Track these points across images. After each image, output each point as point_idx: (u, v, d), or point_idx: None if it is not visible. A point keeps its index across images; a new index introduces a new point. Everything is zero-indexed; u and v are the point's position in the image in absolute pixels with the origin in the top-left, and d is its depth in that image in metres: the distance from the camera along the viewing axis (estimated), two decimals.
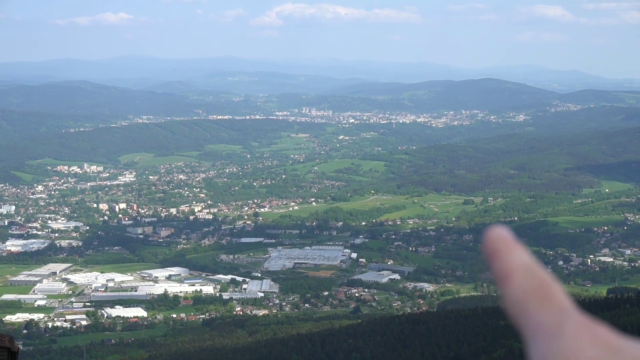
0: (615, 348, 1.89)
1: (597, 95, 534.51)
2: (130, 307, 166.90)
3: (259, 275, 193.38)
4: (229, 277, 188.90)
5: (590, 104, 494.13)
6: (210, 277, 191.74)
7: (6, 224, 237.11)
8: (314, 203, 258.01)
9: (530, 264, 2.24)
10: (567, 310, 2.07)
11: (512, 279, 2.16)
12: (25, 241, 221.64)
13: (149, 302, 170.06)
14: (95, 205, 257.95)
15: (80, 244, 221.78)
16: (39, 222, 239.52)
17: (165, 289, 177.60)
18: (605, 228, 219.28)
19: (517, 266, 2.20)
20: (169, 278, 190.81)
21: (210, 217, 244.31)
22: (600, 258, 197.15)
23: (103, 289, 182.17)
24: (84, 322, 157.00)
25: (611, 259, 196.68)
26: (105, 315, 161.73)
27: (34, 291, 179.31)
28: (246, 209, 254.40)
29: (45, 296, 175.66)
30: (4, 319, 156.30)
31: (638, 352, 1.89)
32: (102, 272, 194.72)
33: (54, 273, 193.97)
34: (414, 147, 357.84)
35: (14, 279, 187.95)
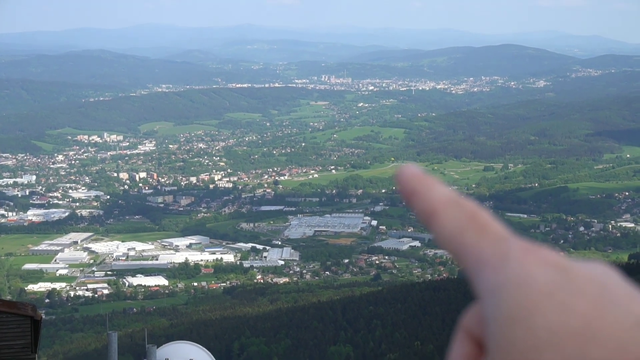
0: (564, 268, 1.84)
1: (618, 60, 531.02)
2: (151, 275, 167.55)
3: (280, 243, 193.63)
4: (250, 245, 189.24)
5: (611, 69, 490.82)
6: (231, 245, 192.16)
7: (27, 193, 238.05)
8: (333, 171, 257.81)
9: (454, 197, 2.10)
10: (506, 237, 1.99)
11: (439, 215, 2.06)
12: (46, 211, 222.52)
13: (170, 271, 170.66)
14: (115, 174, 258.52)
15: (101, 213, 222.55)
16: (60, 191, 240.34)
17: (186, 258, 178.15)
18: (627, 194, 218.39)
19: (441, 201, 2.07)
20: (189, 247, 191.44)
21: (230, 185, 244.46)
22: (622, 224, 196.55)
23: (124, 258, 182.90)
24: (105, 291, 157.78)
25: (632, 225, 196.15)
26: (127, 284, 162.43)
27: (55, 260, 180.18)
28: (266, 177, 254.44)
29: (66, 265, 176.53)
30: (26, 289, 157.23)
31: (585, 270, 1.84)
32: (123, 241, 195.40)
33: (75, 242, 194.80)
34: (433, 114, 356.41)
35: (36, 248, 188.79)
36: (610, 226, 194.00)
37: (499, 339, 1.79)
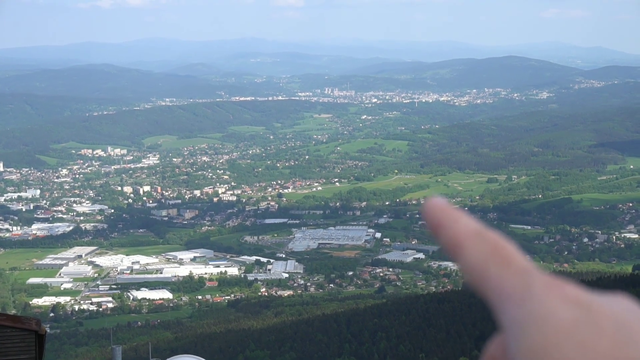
0: (585, 304, 1.87)
1: (621, 71, 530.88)
2: (155, 289, 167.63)
3: (284, 256, 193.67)
4: (254, 258, 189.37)
5: (614, 80, 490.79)
6: (235, 258, 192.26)
7: (31, 207, 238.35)
8: (337, 183, 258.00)
9: (479, 229, 2.16)
10: (529, 271, 2.02)
11: (464, 248, 2.11)
12: (50, 225, 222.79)
13: (174, 284, 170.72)
14: (119, 188, 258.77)
15: (105, 226, 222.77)
16: (64, 205, 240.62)
17: (190, 271, 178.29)
18: (630, 204, 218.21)
19: (467, 233, 2.14)
20: (193, 260, 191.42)
21: (234, 198, 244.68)
22: (626, 235, 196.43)
23: (128, 272, 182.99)
24: (110, 305, 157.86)
25: (636, 236, 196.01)
26: (131, 297, 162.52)
27: (60, 274, 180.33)
28: (270, 190, 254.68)
29: (71, 279, 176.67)
30: (30, 303, 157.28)
31: (606, 306, 1.86)
32: (127, 255, 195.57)
33: (80, 256, 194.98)
34: (437, 126, 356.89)
35: (40, 262, 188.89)
36: (614, 237, 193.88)
37: None
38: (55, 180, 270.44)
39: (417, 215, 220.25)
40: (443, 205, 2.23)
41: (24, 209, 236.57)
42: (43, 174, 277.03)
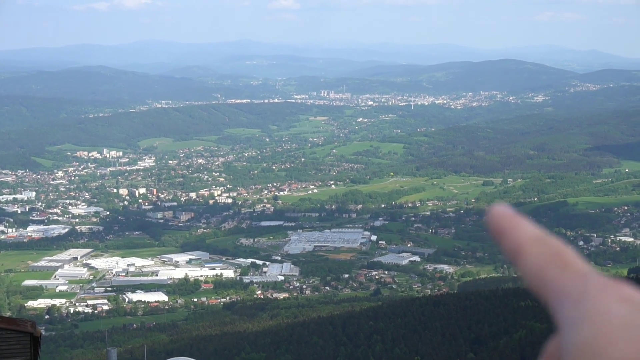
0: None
1: (617, 74, 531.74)
2: (151, 291, 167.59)
3: (279, 258, 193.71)
4: (249, 260, 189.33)
5: (609, 83, 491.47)
6: (231, 261, 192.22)
7: (27, 209, 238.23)
8: (333, 186, 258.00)
9: (540, 235, 2.22)
10: (587, 273, 2.10)
11: (525, 253, 2.17)
12: (46, 227, 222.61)
13: (170, 287, 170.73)
14: (115, 190, 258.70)
15: (100, 229, 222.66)
16: (60, 207, 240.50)
17: (186, 273, 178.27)
18: (626, 208, 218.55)
19: (528, 239, 2.20)
20: (189, 262, 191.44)
21: (230, 201, 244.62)
22: (621, 238, 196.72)
23: (124, 274, 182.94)
24: (105, 307, 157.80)
25: (631, 239, 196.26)
26: (127, 299, 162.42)
27: (55, 276, 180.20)
28: (265, 192, 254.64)
29: (66, 281, 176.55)
30: (26, 305, 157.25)
31: None
32: (122, 257, 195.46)
33: (75, 258, 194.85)
34: (432, 129, 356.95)
35: (35, 264, 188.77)
36: (609, 240, 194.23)
37: None
38: (51, 182, 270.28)
39: (413, 218, 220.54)
40: (507, 212, 2.29)
41: (19, 211, 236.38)
42: (38, 176, 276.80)
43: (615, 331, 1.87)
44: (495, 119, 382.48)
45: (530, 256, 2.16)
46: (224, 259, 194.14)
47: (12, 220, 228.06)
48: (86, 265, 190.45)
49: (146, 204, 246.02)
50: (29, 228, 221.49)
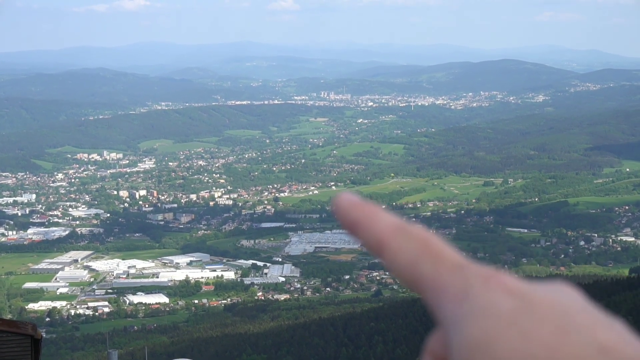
0: (525, 295, 1.85)
1: (617, 74, 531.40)
2: (151, 293, 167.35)
3: (280, 259, 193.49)
4: (250, 262, 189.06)
5: (609, 83, 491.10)
6: (232, 262, 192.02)
7: (27, 212, 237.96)
8: (333, 187, 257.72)
9: (401, 225, 2.03)
10: (464, 265, 1.99)
11: (389, 246, 1.99)
12: (46, 229, 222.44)
13: (171, 289, 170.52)
14: (115, 192, 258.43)
15: (101, 231, 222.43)
16: (60, 210, 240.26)
17: (187, 275, 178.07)
18: (627, 208, 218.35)
19: (388, 230, 2.01)
20: (190, 264, 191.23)
21: (230, 202, 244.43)
22: (622, 238, 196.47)
23: (124, 276, 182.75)
24: (106, 309, 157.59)
25: (633, 239, 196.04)
26: (127, 302, 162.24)
27: (56, 279, 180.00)
28: (266, 194, 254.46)
29: (67, 284, 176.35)
30: (26, 307, 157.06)
31: (547, 296, 1.85)
32: (123, 259, 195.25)
33: (76, 261, 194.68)
34: (433, 130, 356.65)
35: (36, 267, 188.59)
36: (610, 240, 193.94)
37: None
38: (51, 184, 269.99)
39: (414, 219, 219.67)
40: (356, 201, 2.10)
41: (19, 214, 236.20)
42: (39, 179, 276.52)
43: (505, 325, 1.80)
44: (496, 119, 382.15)
45: (396, 250, 1.99)
46: (224, 261, 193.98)
47: (12, 222, 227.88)
48: (87, 267, 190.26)
49: (146, 205, 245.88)
50: (29, 230, 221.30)
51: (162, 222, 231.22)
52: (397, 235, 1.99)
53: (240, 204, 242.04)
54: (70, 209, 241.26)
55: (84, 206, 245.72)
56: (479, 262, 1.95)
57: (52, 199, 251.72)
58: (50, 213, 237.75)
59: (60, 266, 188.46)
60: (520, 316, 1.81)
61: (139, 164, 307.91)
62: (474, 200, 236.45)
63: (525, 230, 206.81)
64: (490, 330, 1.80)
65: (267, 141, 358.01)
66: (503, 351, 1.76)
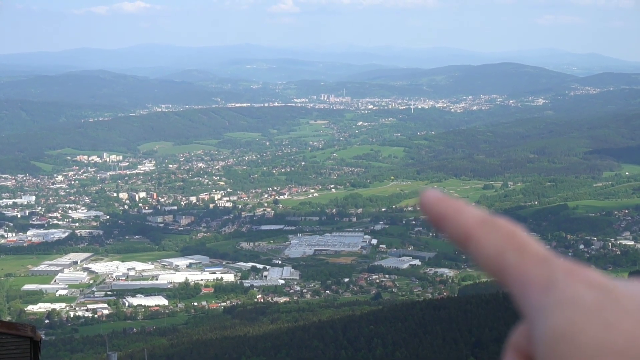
0: (608, 288, 1.90)
1: (616, 78, 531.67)
2: (151, 295, 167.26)
3: (280, 262, 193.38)
4: (250, 264, 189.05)
5: (609, 86, 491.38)
6: (231, 264, 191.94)
7: (27, 214, 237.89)
8: (333, 190, 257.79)
9: (486, 217, 2.14)
10: (548, 257, 2.03)
11: (475, 237, 2.07)
12: (46, 231, 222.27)
13: (170, 291, 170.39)
14: (115, 194, 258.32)
15: (100, 233, 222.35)
16: (60, 212, 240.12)
17: (186, 277, 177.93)
18: (626, 211, 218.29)
19: (474, 222, 2.11)
20: (189, 266, 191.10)
21: (230, 205, 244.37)
22: (621, 241, 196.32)
23: (124, 278, 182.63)
24: (105, 312, 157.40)
25: (632, 243, 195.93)
26: (127, 304, 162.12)
27: (55, 281, 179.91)
28: (266, 196, 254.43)
29: (66, 286, 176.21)
30: (25, 309, 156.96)
31: (628, 290, 1.90)
32: (122, 261, 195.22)
33: (75, 262, 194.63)
34: (433, 133, 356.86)
35: (35, 269, 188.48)
36: (610, 244, 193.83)
37: (548, 357, 1.87)
38: (51, 186, 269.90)
39: (413, 222, 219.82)
40: (442, 196, 2.17)
41: (19, 216, 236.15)
42: (38, 180, 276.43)
43: (588, 317, 1.86)
44: (496, 123, 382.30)
45: (482, 241, 2.06)
46: (224, 263, 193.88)
47: (11, 224, 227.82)
48: (86, 269, 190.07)
49: (146, 208, 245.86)
50: (29, 232, 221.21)
51: (161, 224, 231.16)
52: (484, 227, 2.07)
53: (240, 207, 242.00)
54: (69, 211, 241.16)
55: (83, 208, 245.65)
56: (564, 256, 1.97)
57: (51, 201, 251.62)
58: (50, 215, 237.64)
59: (59, 268, 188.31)
60: (604, 308, 1.86)
61: (138, 166, 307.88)
62: (473, 204, 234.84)
63: None
64: (575, 320, 1.86)
65: (267, 144, 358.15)
66: (587, 340, 1.82)
